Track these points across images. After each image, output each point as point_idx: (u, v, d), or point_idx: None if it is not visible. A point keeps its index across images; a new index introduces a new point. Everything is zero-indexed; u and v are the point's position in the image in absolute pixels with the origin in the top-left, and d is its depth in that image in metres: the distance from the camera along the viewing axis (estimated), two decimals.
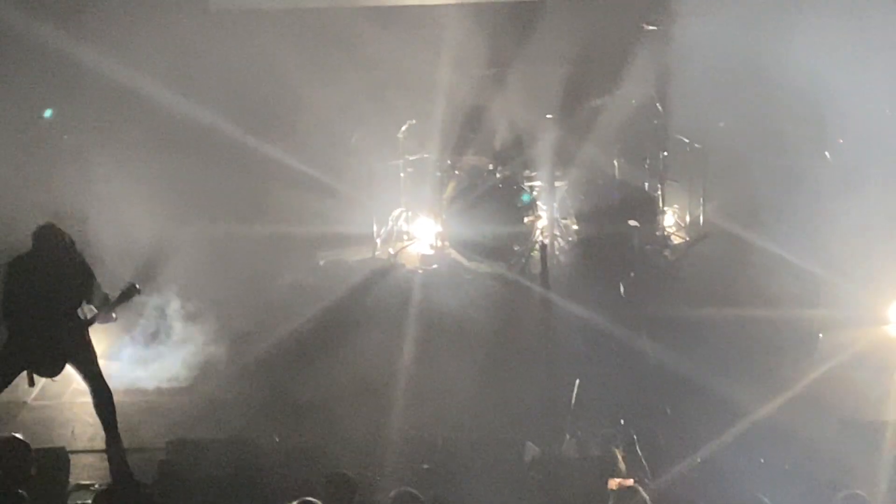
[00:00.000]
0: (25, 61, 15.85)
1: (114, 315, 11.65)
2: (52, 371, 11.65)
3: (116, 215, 14.94)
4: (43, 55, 15.64)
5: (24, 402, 13.24)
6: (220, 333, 14.26)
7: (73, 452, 11.65)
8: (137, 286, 11.70)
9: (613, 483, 9.58)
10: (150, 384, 13.70)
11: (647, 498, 9.06)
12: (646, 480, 10.00)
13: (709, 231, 16.48)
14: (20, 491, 9.25)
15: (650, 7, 17.18)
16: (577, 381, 12.13)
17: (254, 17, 17.00)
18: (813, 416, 11.91)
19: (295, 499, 8.93)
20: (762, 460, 10.76)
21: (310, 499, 8.96)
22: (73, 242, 11.60)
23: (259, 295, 15.21)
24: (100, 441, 11.92)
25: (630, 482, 9.47)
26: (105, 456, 11.77)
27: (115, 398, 11.84)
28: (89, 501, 9.86)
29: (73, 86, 15.95)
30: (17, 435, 10.00)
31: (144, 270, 12.18)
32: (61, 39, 15.49)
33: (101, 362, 11.92)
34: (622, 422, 11.40)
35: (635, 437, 10.82)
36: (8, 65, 15.84)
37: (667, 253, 16.32)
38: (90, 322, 11.54)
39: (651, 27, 17.00)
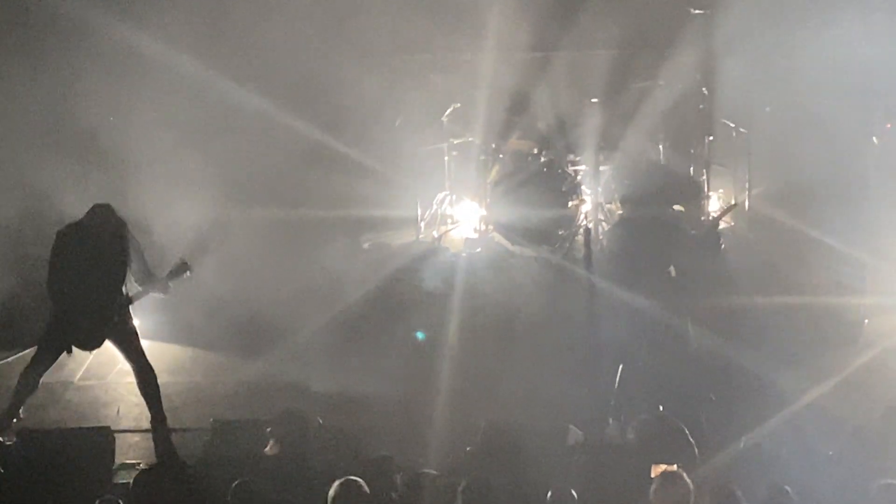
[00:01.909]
0: (72, 41, 15.93)
1: (170, 285, 11.72)
2: (92, 343, 11.68)
3: (161, 198, 15.00)
4: (93, 35, 15.71)
5: (71, 382, 13.35)
6: (264, 316, 14.31)
7: (118, 432, 11.71)
8: (188, 263, 11.76)
9: (658, 469, 9.55)
10: (195, 365, 13.79)
11: (691, 483, 9.04)
12: (693, 465, 9.95)
13: (737, 203, 16.44)
14: None
15: None
16: (620, 367, 12.11)
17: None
18: (858, 403, 11.85)
19: (338, 479, 8.98)
20: (807, 446, 10.70)
21: (353, 478, 9.00)
22: (124, 224, 11.66)
23: (304, 278, 15.24)
24: (145, 421, 11.98)
25: (674, 468, 9.43)
26: (150, 435, 11.84)
27: (160, 379, 11.90)
28: (132, 480, 9.91)
29: (120, 68, 16.01)
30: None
31: (192, 252, 12.21)
32: (110, 23, 15.56)
33: (145, 342, 11.99)
34: (661, 408, 11.37)
35: (681, 422, 10.77)
36: (58, 45, 15.93)
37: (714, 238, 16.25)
38: (131, 300, 11.59)
39: (698, 11, 16.91)
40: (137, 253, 11.67)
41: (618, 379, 12.04)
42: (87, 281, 11.39)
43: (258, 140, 16.43)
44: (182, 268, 11.74)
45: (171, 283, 11.74)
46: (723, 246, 15.71)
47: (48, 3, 15.48)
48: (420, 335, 14.21)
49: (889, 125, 16.14)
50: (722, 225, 16.70)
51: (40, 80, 15.54)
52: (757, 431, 11.07)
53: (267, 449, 10.48)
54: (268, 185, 16.32)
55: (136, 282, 11.65)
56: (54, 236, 11.55)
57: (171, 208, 14.87)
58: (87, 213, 11.56)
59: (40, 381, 11.71)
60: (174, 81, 15.99)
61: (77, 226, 11.56)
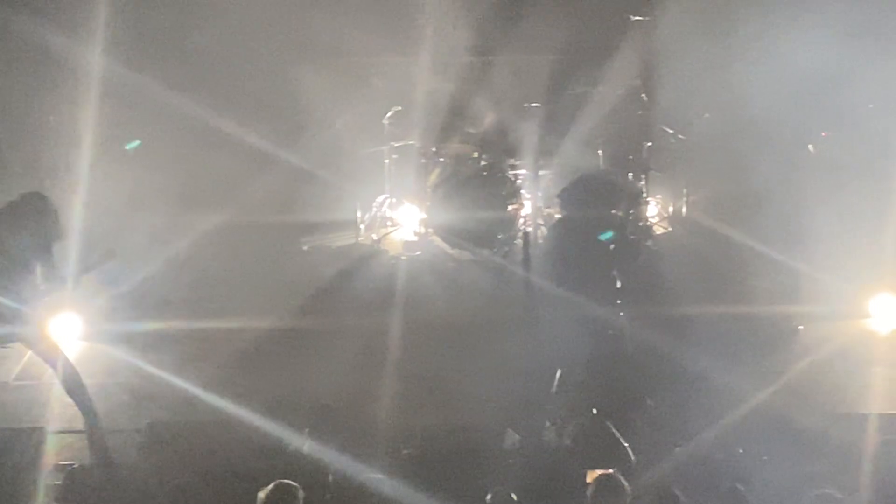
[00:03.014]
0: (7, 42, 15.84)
1: (90, 272, 11.60)
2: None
3: (97, 199, 14.89)
4: (27, 38, 15.61)
5: (5, 382, 13.22)
6: (202, 319, 14.24)
7: (53, 433, 11.63)
8: (114, 251, 11.62)
9: (593, 474, 9.57)
10: (131, 367, 13.68)
11: (627, 486, 9.08)
12: (629, 468, 9.99)
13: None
14: None
15: None
16: (559, 371, 12.14)
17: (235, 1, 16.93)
18: (792, 409, 11.93)
19: (272, 482, 8.95)
20: (741, 451, 10.79)
21: (286, 481, 8.97)
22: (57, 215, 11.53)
23: (243, 281, 15.19)
24: (79, 422, 11.88)
25: (610, 472, 9.45)
26: (84, 436, 11.75)
27: (96, 380, 11.83)
28: (66, 481, 9.89)
29: (56, 69, 15.92)
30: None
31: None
32: (43, 26, 15.49)
33: (84, 343, 11.89)
34: (594, 411, 11.41)
35: (612, 425, 10.81)
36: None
37: (649, 244, 16.33)
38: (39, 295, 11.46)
39: (637, 17, 17.00)
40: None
41: (556, 383, 12.07)
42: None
43: (195, 143, 16.37)
44: (108, 255, 11.61)
45: (83, 276, 11.61)
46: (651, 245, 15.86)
47: None
48: None
49: (825, 133, 16.29)
50: (659, 230, 16.83)
51: None
52: (692, 436, 11.13)
53: (305, 447, 10.51)
54: (207, 190, 16.25)
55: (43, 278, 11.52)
56: None
57: (111, 213, 14.82)
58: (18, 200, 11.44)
59: None
60: (114, 87, 15.86)
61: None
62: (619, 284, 12.99)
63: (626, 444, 10.44)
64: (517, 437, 11.34)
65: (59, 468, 11.32)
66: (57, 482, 10.73)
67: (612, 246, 13.50)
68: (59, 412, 12.59)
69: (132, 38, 16.11)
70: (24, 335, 11.45)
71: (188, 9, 16.67)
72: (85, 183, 14.95)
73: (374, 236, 16.95)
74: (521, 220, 16.39)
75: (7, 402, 12.93)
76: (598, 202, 15.07)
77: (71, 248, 11.76)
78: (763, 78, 15.49)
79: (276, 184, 16.49)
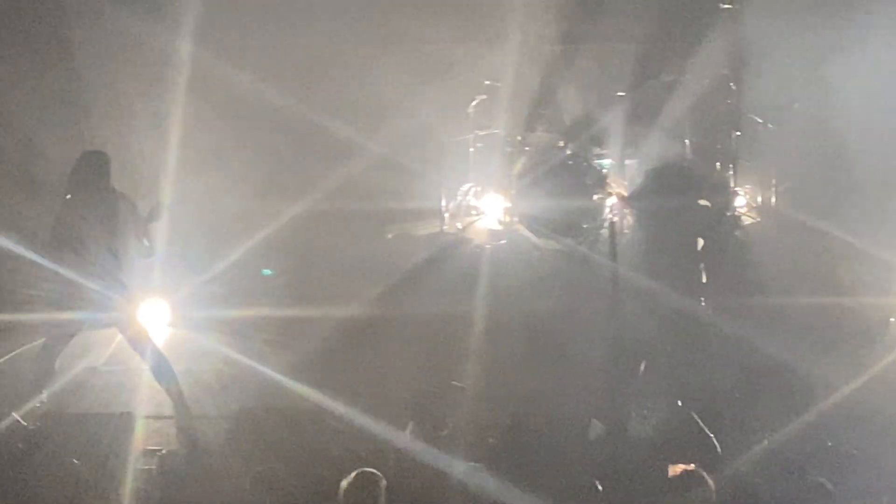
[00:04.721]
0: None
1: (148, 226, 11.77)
2: None
3: (184, 187, 15.01)
4: (120, 29, 15.82)
5: (94, 368, 13.37)
6: (287, 307, 14.30)
7: (141, 418, 11.74)
8: (163, 204, 11.84)
9: (675, 469, 9.49)
10: (218, 353, 13.77)
11: (710, 481, 9.01)
12: (715, 462, 9.91)
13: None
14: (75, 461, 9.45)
15: None
16: (644, 363, 12.07)
17: None
18: (883, 402, 11.78)
19: (354, 470, 8.99)
20: (829, 444, 10.66)
21: (368, 469, 8.97)
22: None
23: (328, 268, 15.25)
24: (167, 407, 12.01)
25: (692, 466, 9.37)
26: (172, 422, 11.86)
27: (183, 366, 11.96)
28: (154, 466, 9.99)
29: (142, 57, 16.12)
30: None
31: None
32: (136, 16, 15.68)
33: (171, 329, 12.02)
34: (679, 402, 11.33)
35: (698, 418, 10.72)
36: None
37: (738, 234, 16.21)
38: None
39: (727, 6, 16.86)
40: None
41: (640, 374, 12.02)
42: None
43: (282, 134, 16.51)
44: (159, 208, 11.77)
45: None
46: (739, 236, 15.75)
47: None
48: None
49: None
50: (747, 221, 16.68)
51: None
52: (780, 429, 11.02)
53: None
54: (292, 178, 16.37)
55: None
56: None
57: (198, 201, 14.98)
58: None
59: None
60: (201, 78, 15.96)
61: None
62: (704, 277, 12.84)
63: (711, 436, 10.35)
64: (603, 428, 11.28)
65: (148, 453, 11.44)
66: (146, 466, 10.85)
67: (703, 239, 13.42)
68: (147, 397, 12.72)
69: (220, 30, 16.22)
70: (115, 321, 11.62)
71: (274, 4, 16.79)
72: (171, 172, 15.09)
73: (459, 225, 16.96)
74: (607, 210, 16.31)
75: (96, 387, 13.07)
76: (681, 192, 15.03)
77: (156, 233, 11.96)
78: (857, 67, 15.28)
79: (361, 173, 16.53)
